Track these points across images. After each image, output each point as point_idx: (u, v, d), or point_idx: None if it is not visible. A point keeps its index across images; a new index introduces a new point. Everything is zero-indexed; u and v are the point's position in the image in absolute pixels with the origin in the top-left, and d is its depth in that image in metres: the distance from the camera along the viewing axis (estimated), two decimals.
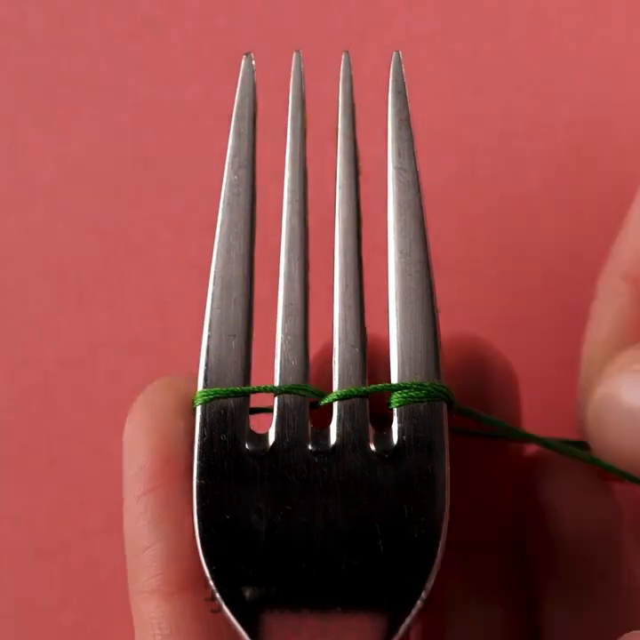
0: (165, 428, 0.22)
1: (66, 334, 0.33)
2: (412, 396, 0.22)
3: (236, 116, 0.23)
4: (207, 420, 0.22)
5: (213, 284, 0.23)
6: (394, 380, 0.22)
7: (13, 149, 0.34)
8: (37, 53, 0.35)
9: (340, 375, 0.22)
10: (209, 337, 0.22)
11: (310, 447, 0.22)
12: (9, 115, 0.35)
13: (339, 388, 0.22)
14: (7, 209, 0.34)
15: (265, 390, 0.22)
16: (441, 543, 0.21)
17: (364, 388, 0.22)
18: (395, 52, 0.24)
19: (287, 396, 0.22)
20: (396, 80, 0.23)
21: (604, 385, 0.26)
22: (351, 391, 0.22)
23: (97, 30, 0.35)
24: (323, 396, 0.22)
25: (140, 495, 0.22)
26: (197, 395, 0.22)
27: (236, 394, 0.22)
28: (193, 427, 0.22)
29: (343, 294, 0.23)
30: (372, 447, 0.22)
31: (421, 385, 0.22)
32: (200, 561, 0.21)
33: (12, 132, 0.35)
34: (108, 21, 0.35)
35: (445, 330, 0.23)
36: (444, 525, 0.21)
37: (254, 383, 0.22)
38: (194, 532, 0.21)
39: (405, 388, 0.22)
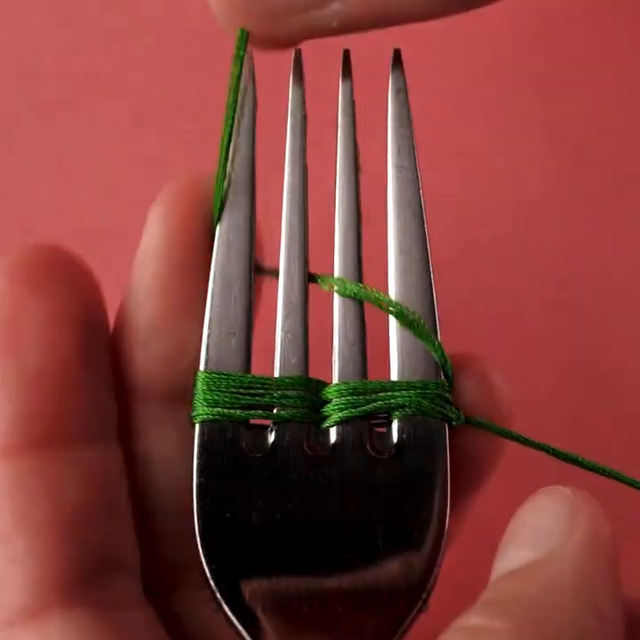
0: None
1: None
2: (412, 413, 0.22)
3: (237, 114, 0.23)
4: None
5: (213, 282, 0.23)
6: (394, 379, 0.22)
7: (13, 149, 0.34)
8: (37, 53, 0.35)
9: (340, 374, 0.22)
10: (209, 335, 0.22)
11: (310, 446, 0.22)
12: (9, 115, 0.35)
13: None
14: (7, 209, 0.34)
15: (265, 417, 0.22)
16: (442, 543, 0.21)
17: (363, 407, 0.22)
18: (395, 51, 0.24)
19: (288, 394, 0.22)
20: (396, 78, 0.23)
21: None
22: (352, 412, 0.22)
23: (97, 30, 0.35)
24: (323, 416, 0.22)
25: None
26: (196, 413, 0.22)
27: (235, 417, 0.22)
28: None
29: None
30: (372, 446, 0.22)
31: (421, 403, 0.22)
32: (200, 561, 0.21)
33: (12, 132, 0.35)
34: (108, 21, 0.35)
35: (445, 329, 0.23)
36: (445, 525, 0.21)
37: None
38: (44, 395, 0.21)
39: (405, 405, 0.22)
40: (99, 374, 0.22)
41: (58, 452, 0.21)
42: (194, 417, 0.22)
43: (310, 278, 0.23)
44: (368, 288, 0.22)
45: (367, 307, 0.23)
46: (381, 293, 0.22)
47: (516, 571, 0.20)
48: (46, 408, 0.21)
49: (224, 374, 0.22)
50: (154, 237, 0.23)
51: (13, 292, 0.22)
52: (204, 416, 0.22)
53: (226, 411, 0.22)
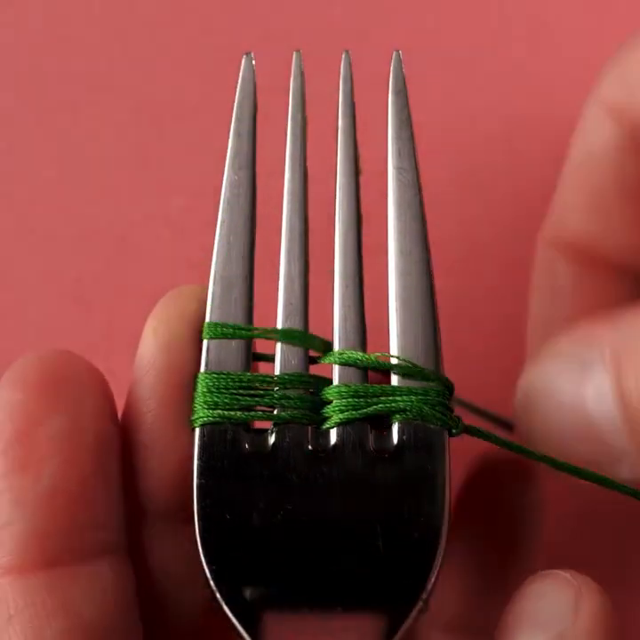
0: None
1: (66, 334, 0.33)
2: (412, 418, 0.22)
3: (236, 116, 0.23)
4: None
5: (213, 284, 0.23)
6: (394, 383, 0.22)
7: (13, 149, 0.34)
8: (37, 53, 0.35)
9: (340, 376, 0.22)
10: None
11: (310, 447, 0.22)
12: (9, 115, 0.35)
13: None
14: (7, 209, 0.34)
15: (265, 418, 0.22)
16: (441, 543, 0.21)
17: (364, 410, 0.22)
18: (395, 52, 0.24)
19: (288, 395, 0.22)
20: (396, 80, 0.23)
21: (531, 372, 0.26)
22: (353, 414, 0.22)
23: (97, 30, 0.35)
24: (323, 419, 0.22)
25: (4, 472, 0.21)
26: (196, 416, 0.22)
27: (236, 419, 0.22)
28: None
29: (343, 294, 0.23)
30: (372, 447, 0.22)
31: (422, 409, 0.22)
32: (200, 561, 0.21)
33: (12, 132, 0.35)
34: (108, 21, 0.35)
35: (445, 330, 0.23)
36: (445, 525, 0.21)
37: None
38: (56, 512, 0.21)
39: (406, 410, 0.22)
40: (111, 488, 0.22)
41: (72, 568, 0.21)
42: (194, 420, 0.22)
43: (311, 360, 0.23)
44: (367, 356, 0.22)
45: (368, 308, 0.23)
46: (377, 357, 0.22)
47: None
48: (60, 525, 0.21)
49: (223, 374, 0.22)
50: (148, 354, 0.22)
51: (29, 405, 0.21)
52: (204, 419, 0.22)
53: (226, 412, 0.22)
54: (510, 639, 0.21)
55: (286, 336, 0.22)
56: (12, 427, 0.21)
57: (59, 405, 0.21)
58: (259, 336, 0.22)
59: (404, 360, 0.22)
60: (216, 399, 0.22)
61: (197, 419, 0.22)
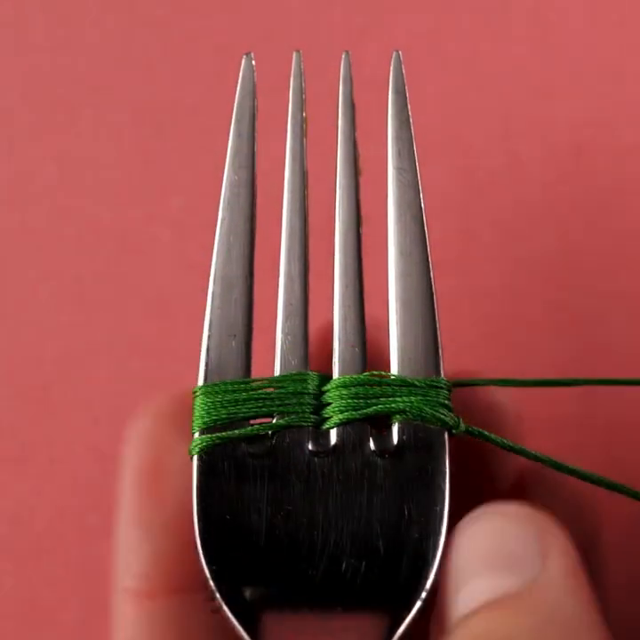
0: (164, 439, 0.22)
1: (66, 334, 0.33)
2: (412, 418, 0.22)
3: (236, 116, 0.23)
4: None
5: (213, 284, 0.23)
6: None
7: (13, 149, 0.34)
8: (37, 53, 0.35)
9: (340, 376, 0.22)
10: (209, 337, 0.22)
11: (310, 447, 0.22)
12: (9, 115, 0.35)
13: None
14: (7, 209, 0.34)
15: (265, 428, 0.22)
16: (441, 543, 0.21)
17: (364, 410, 0.22)
18: (395, 52, 0.24)
19: (287, 402, 0.22)
20: (396, 80, 0.23)
21: None
22: (353, 414, 0.22)
23: (97, 30, 0.35)
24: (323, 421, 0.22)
25: (132, 500, 0.22)
26: (194, 444, 0.22)
27: (235, 436, 0.22)
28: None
29: (343, 294, 0.23)
30: (372, 447, 0.22)
31: (422, 409, 0.22)
32: (200, 561, 0.21)
33: (12, 132, 0.35)
34: (108, 21, 0.35)
35: (445, 330, 0.23)
36: (444, 525, 0.21)
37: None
38: (182, 539, 0.21)
39: (406, 410, 0.22)
40: None
41: (190, 596, 0.22)
42: (191, 449, 0.22)
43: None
44: (364, 377, 0.22)
45: (368, 308, 0.23)
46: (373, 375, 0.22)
47: (495, 602, 0.19)
48: (183, 553, 0.21)
49: (220, 386, 0.22)
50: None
51: (159, 434, 0.22)
52: (201, 445, 0.22)
53: (224, 434, 0.22)
54: (463, 580, 0.20)
55: (284, 381, 0.22)
56: (144, 455, 0.22)
57: (187, 437, 0.22)
58: (258, 387, 0.22)
59: (400, 377, 0.22)
60: (214, 416, 0.22)
61: (195, 447, 0.22)
